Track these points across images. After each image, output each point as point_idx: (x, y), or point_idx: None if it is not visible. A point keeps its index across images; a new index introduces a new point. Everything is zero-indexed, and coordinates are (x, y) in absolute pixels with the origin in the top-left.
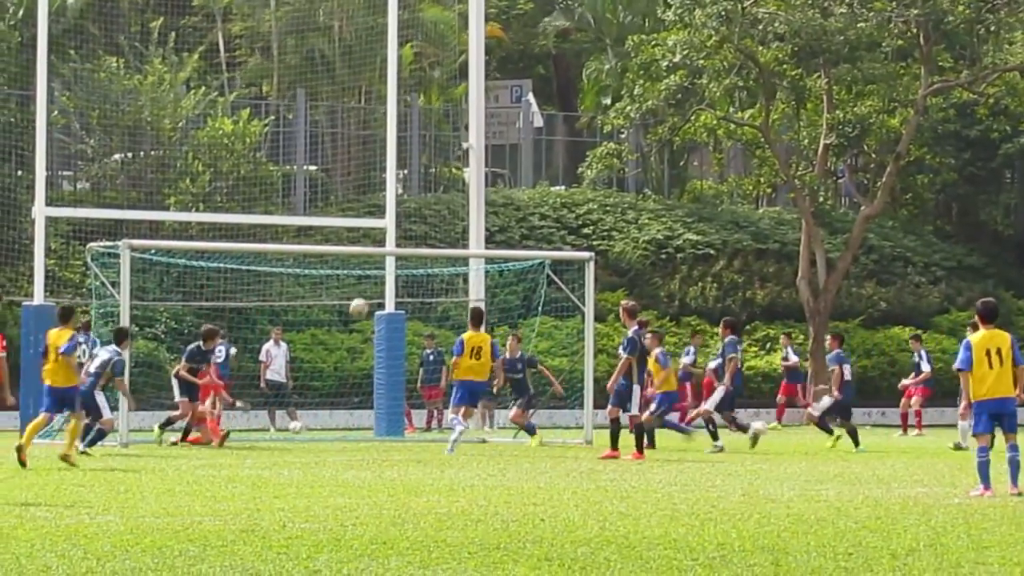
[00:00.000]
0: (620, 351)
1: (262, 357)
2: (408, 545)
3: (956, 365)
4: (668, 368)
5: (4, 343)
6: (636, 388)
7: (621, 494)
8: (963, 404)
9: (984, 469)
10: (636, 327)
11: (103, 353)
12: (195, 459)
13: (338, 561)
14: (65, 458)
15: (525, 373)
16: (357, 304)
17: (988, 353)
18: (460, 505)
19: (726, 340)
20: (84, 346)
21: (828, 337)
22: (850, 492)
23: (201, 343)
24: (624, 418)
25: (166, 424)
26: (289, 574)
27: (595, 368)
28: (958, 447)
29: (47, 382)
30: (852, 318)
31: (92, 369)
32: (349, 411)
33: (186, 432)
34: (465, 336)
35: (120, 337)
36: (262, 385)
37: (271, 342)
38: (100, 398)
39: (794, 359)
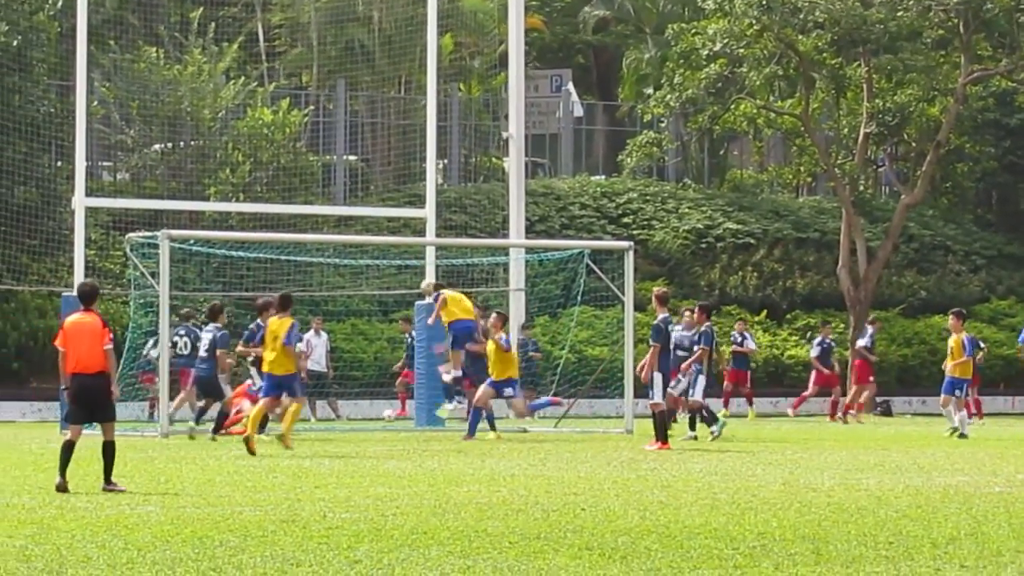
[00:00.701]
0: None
1: (302, 347)
2: (448, 535)
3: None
4: (510, 351)
5: (111, 336)
6: (658, 376)
7: (661, 483)
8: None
9: None
10: (665, 315)
11: (205, 335)
12: (235, 449)
13: (378, 551)
14: (281, 438)
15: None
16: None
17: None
18: (500, 495)
19: (702, 328)
20: (186, 338)
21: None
22: (891, 481)
23: (259, 320)
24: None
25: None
26: (330, 564)
27: (635, 358)
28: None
29: (267, 370)
30: (892, 307)
31: (203, 354)
32: (389, 401)
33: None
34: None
35: (215, 313)
36: (302, 375)
37: (311, 332)
38: (222, 380)
39: (751, 346)
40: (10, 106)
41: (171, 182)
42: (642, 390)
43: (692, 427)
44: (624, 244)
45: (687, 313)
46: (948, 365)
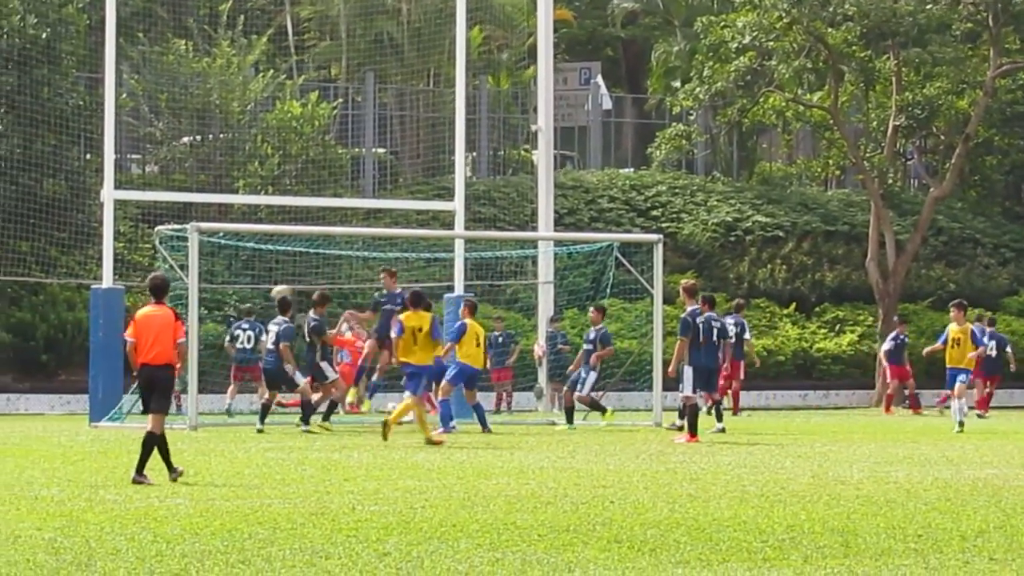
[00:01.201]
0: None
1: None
2: (477, 528)
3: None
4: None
5: (185, 330)
6: (688, 369)
7: (690, 476)
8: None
9: None
10: (694, 306)
11: (272, 327)
12: (264, 441)
13: (407, 543)
14: (429, 441)
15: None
16: (279, 289)
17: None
18: (529, 488)
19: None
20: (250, 332)
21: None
22: (919, 474)
23: (312, 312)
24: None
25: (329, 412)
26: (359, 557)
27: (664, 350)
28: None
29: (405, 359)
30: (921, 300)
31: (269, 347)
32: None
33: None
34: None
35: (284, 307)
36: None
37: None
38: (324, 366)
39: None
40: (39, 99)
41: (200, 175)
42: (670, 383)
43: (719, 419)
44: (653, 237)
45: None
46: (938, 355)
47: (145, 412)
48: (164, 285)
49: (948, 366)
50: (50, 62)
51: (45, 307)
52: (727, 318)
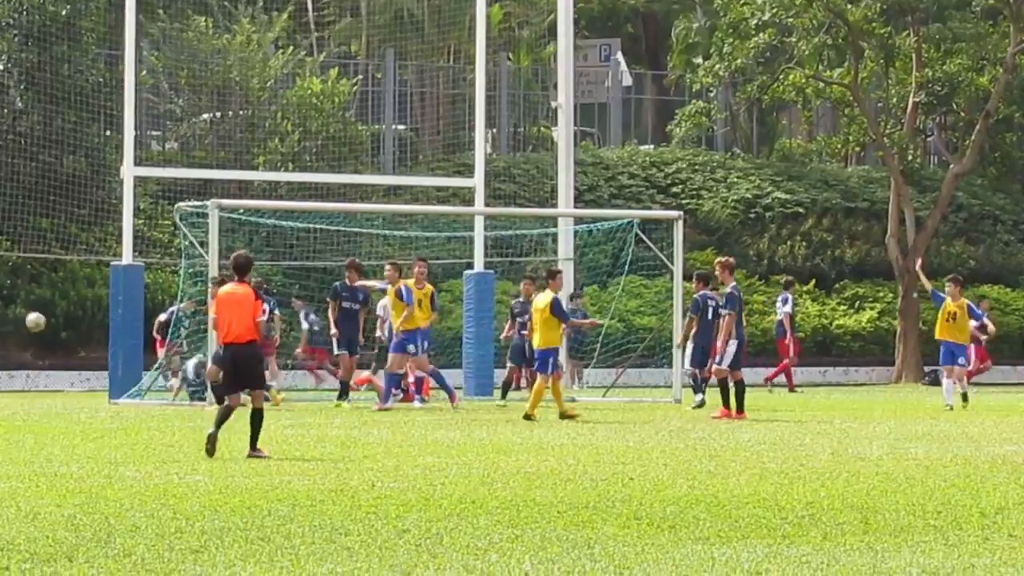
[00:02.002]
0: (721, 310)
1: (379, 312)
2: (497, 504)
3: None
4: (411, 306)
5: (265, 308)
6: (732, 343)
7: (710, 453)
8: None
9: None
10: (734, 284)
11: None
12: (284, 419)
13: (427, 520)
14: (564, 414)
15: None
16: (32, 318)
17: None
18: (549, 464)
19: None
20: (314, 315)
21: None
22: (939, 450)
23: (346, 281)
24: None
25: (343, 394)
26: (378, 533)
27: (683, 327)
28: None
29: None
30: (941, 276)
31: None
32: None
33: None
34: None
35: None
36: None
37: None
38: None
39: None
40: (59, 75)
41: (220, 151)
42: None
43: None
44: (673, 214)
45: None
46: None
47: (229, 393)
48: (247, 263)
49: (943, 339)
50: (70, 39)
51: (65, 284)
52: (779, 296)
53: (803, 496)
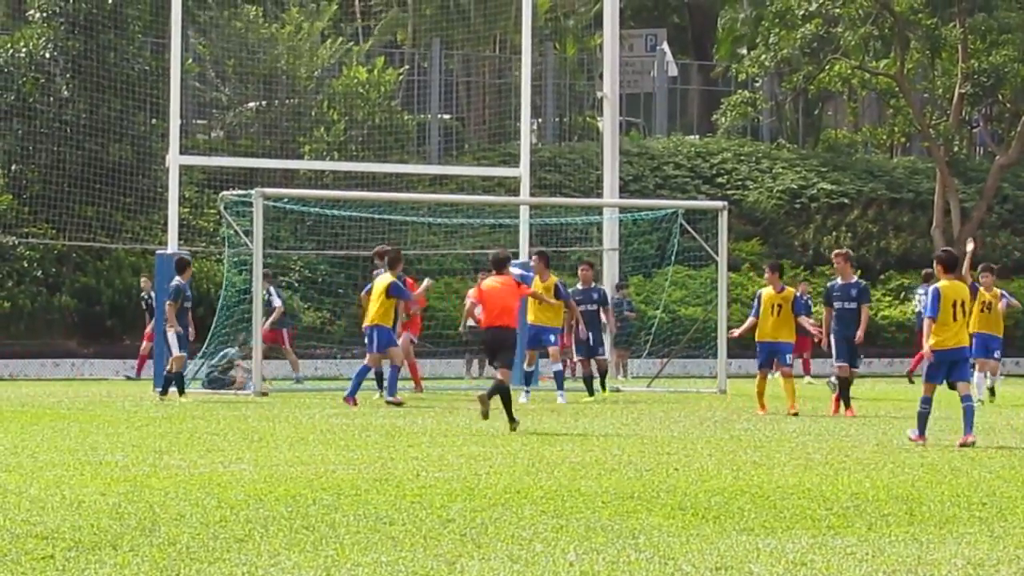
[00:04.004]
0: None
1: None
2: (542, 494)
3: (927, 313)
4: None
5: (527, 290)
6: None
7: (755, 443)
8: (926, 349)
9: (925, 420)
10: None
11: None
12: (329, 408)
13: (471, 510)
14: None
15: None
16: None
17: (955, 304)
18: (594, 454)
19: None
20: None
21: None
22: (984, 441)
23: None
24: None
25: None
26: (422, 523)
27: (728, 317)
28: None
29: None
30: None
31: None
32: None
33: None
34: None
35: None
36: (461, 330)
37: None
38: None
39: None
40: (105, 63)
41: (265, 140)
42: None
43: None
44: (718, 204)
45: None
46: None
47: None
48: (505, 259)
49: (977, 331)
50: (116, 27)
51: (110, 272)
52: (918, 288)
53: (848, 487)
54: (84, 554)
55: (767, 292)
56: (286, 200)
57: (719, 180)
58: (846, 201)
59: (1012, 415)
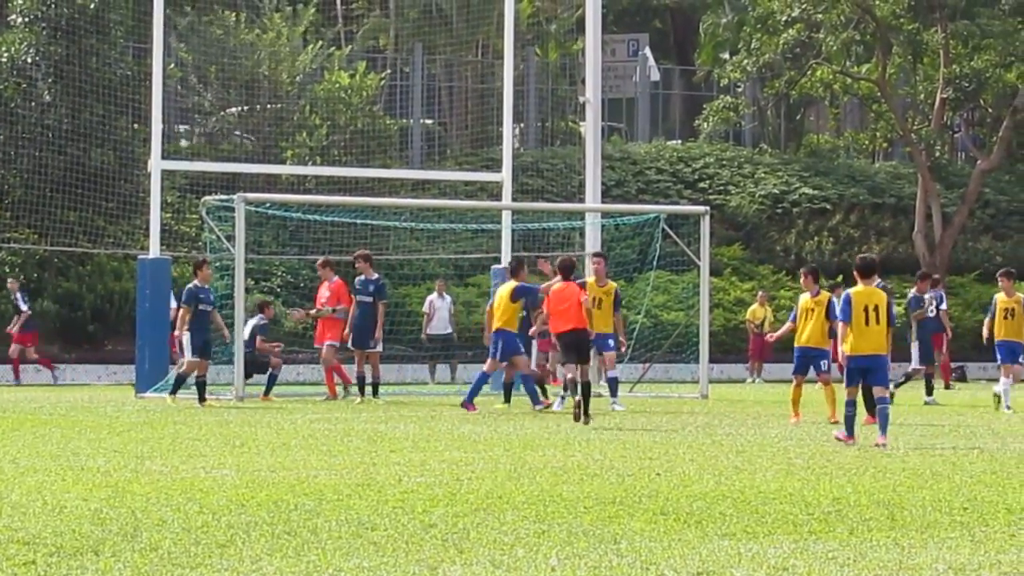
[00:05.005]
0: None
1: (425, 308)
2: (524, 499)
3: (838, 317)
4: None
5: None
6: (915, 345)
7: (736, 448)
8: (840, 355)
9: (851, 421)
10: (880, 283)
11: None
12: (310, 413)
13: (454, 515)
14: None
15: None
16: None
17: (866, 310)
18: (576, 459)
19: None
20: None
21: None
22: (966, 446)
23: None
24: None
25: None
26: (404, 528)
27: (711, 322)
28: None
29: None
30: (968, 272)
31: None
32: (464, 365)
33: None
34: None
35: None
36: (423, 337)
37: (435, 294)
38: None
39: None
40: (87, 68)
41: (247, 145)
42: (716, 355)
43: (929, 392)
44: (700, 209)
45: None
46: (993, 329)
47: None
48: (572, 266)
49: (1001, 339)
50: (98, 32)
51: (92, 277)
52: (926, 294)
53: (829, 492)
54: (66, 560)
55: (804, 297)
56: (268, 205)
57: (701, 185)
58: (828, 206)
59: (992, 418)
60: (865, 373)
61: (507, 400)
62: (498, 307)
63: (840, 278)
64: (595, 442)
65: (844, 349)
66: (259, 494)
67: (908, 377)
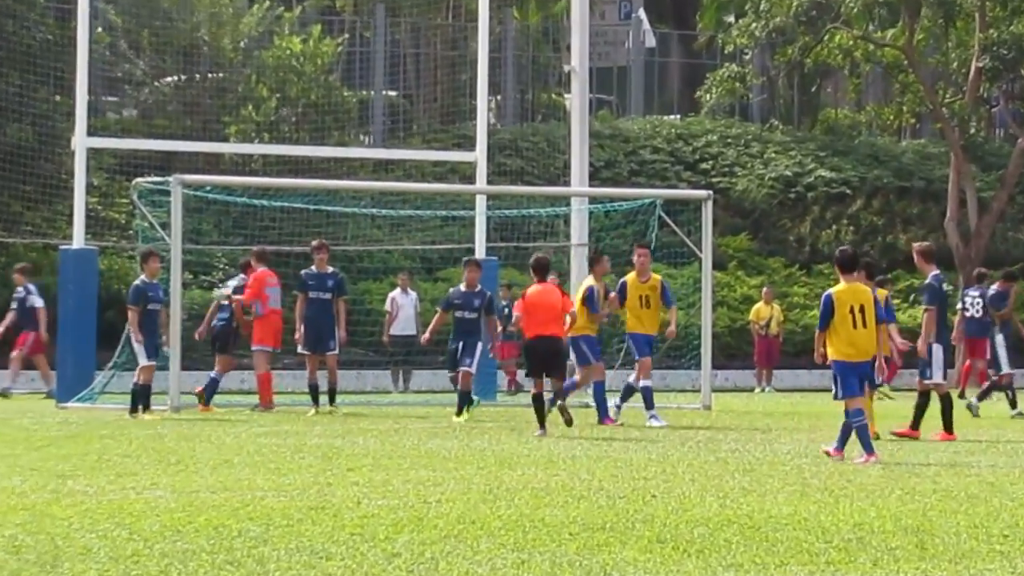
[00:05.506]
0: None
1: (387, 307)
2: (500, 525)
3: (819, 325)
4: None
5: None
6: (937, 348)
7: (744, 467)
8: (817, 358)
9: (865, 433)
10: (935, 273)
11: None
12: (257, 426)
13: (420, 543)
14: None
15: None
16: None
17: (852, 311)
18: (560, 479)
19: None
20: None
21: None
22: (1006, 464)
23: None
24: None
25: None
26: (364, 557)
27: (714, 323)
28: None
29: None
30: (1007, 265)
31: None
32: (434, 371)
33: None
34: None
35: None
36: (384, 339)
37: (397, 290)
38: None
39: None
40: (3, 33)
41: (185, 120)
42: (719, 360)
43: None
44: (702, 193)
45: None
46: None
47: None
48: (547, 264)
49: None
50: None
51: (7, 270)
52: (970, 290)
53: (850, 516)
54: None
55: None
56: (209, 188)
57: (703, 166)
58: (847, 191)
59: None
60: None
61: (461, 410)
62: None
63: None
64: (582, 460)
65: (830, 355)
66: (198, 519)
67: (997, 386)
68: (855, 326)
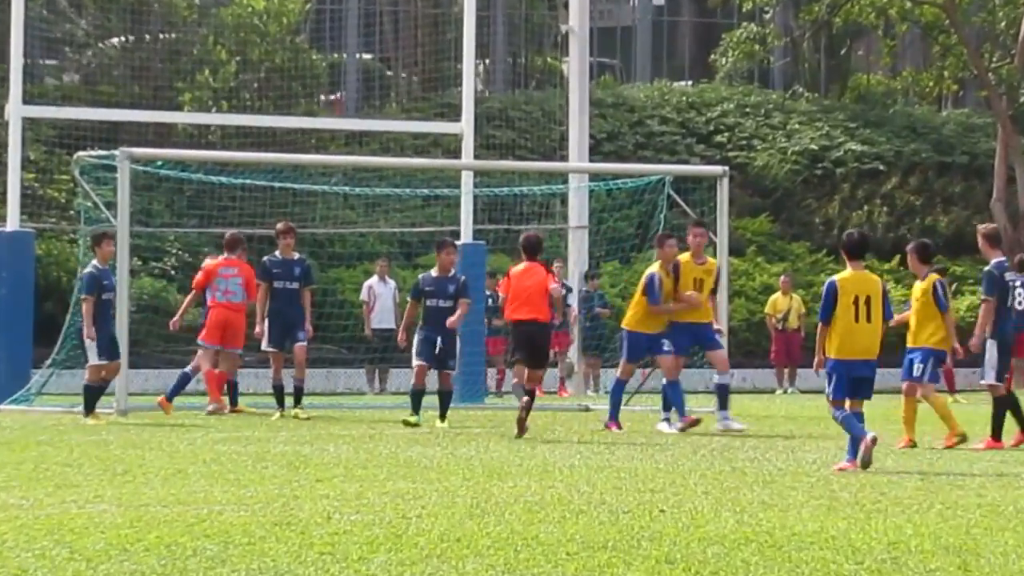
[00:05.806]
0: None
1: (363, 297)
2: (489, 543)
3: (820, 315)
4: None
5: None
6: (991, 344)
7: (764, 478)
8: (818, 358)
9: (850, 425)
10: (999, 259)
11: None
12: (214, 431)
13: (399, 563)
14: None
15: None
16: None
17: (856, 302)
18: (556, 492)
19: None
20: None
21: None
22: None
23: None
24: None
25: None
26: None
27: (730, 315)
28: None
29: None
30: None
31: None
32: (411, 369)
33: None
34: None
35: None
36: (367, 333)
37: (375, 278)
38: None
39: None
40: None
41: (133, 87)
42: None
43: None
44: (717, 169)
45: None
46: None
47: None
48: (539, 243)
49: None
50: None
51: None
52: (1016, 278)
53: (884, 534)
54: None
55: (916, 285)
56: (160, 163)
57: (718, 139)
58: (881, 167)
59: None
60: (858, 384)
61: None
62: (635, 299)
63: (897, 259)
64: (581, 469)
65: (828, 352)
66: (148, 536)
67: None
68: (856, 319)
